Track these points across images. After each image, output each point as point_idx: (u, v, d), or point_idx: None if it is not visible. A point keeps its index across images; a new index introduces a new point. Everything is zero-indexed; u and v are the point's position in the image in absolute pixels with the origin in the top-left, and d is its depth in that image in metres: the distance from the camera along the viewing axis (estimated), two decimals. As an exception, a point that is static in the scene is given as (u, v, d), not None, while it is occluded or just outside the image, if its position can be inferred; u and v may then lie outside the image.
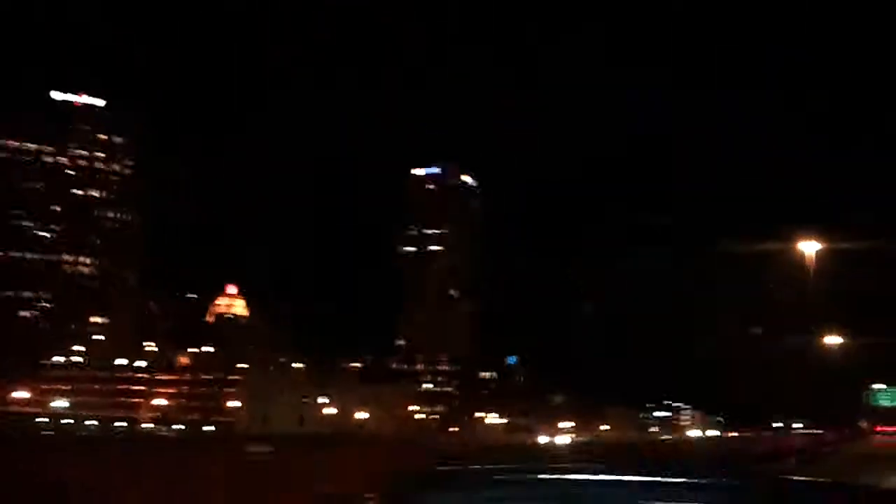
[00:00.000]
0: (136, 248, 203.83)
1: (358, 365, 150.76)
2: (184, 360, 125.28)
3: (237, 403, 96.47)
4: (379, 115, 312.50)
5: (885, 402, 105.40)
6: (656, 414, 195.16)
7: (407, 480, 3.26)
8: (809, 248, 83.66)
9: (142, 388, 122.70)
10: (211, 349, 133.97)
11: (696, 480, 3.04)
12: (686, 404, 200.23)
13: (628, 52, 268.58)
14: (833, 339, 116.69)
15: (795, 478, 4.12)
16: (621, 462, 25.21)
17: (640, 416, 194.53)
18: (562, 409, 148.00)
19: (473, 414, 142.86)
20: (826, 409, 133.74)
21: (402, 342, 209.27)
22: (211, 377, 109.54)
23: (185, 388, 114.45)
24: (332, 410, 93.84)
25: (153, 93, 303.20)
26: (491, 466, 3.12)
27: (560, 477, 3.03)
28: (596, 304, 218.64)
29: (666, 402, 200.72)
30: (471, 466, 3.23)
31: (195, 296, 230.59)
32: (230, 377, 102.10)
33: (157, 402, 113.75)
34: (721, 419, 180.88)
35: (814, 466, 44.89)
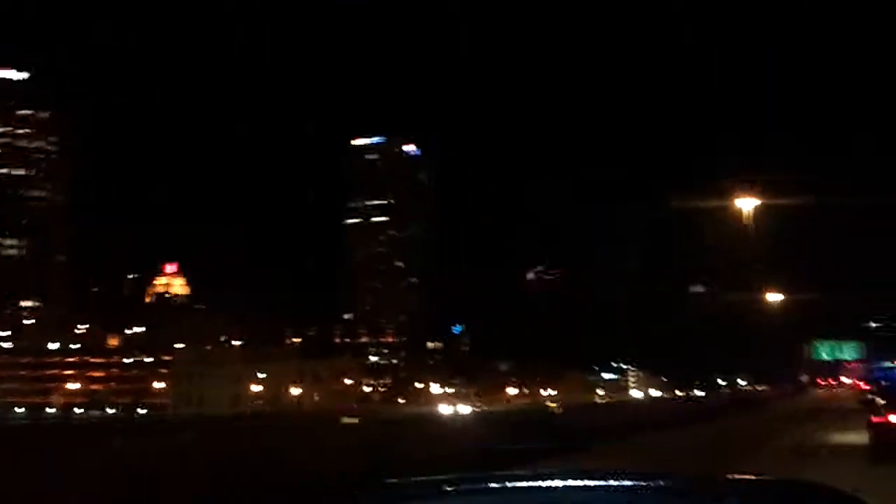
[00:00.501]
0: (66, 228, 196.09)
1: (298, 340, 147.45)
2: (113, 341, 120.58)
3: (165, 385, 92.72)
4: (317, 86, 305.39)
5: (824, 356, 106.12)
6: (605, 376, 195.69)
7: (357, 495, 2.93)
8: (747, 204, 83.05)
9: (72, 372, 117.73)
10: (143, 330, 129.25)
11: (683, 486, 2.68)
12: (633, 366, 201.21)
13: (564, 13, 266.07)
14: (774, 297, 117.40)
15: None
16: (518, 433, 24.20)
17: (590, 378, 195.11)
18: (508, 376, 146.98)
19: (415, 385, 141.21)
20: (768, 365, 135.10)
21: (349, 316, 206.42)
22: (141, 359, 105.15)
23: (115, 370, 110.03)
24: (269, 388, 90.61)
25: (81, 66, 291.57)
26: (444, 477, 2.59)
27: (516, 485, 2.67)
28: (542, 268, 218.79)
29: (615, 364, 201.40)
30: (420, 478, 2.89)
31: (136, 275, 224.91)
32: (163, 358, 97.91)
33: (87, 386, 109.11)
34: (665, 379, 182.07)
35: (758, 421, 43.88)
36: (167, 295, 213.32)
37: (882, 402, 22.89)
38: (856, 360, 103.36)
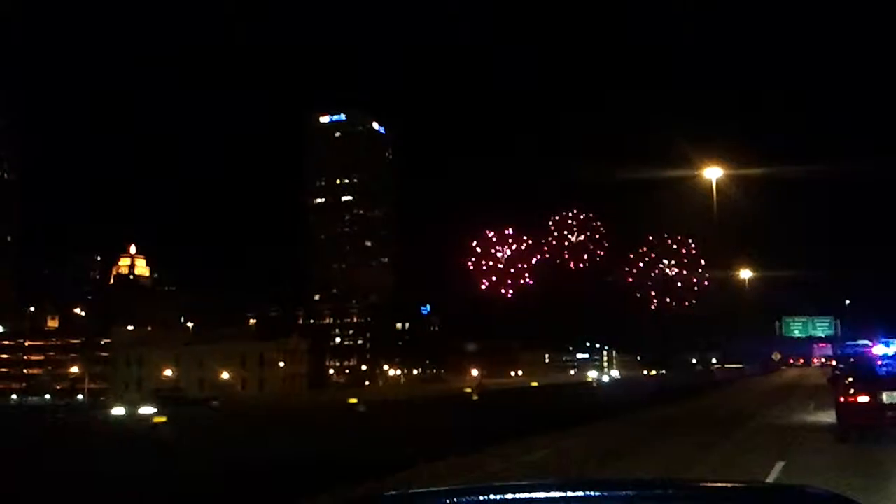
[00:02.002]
0: (15, 207, 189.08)
1: (254, 321, 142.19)
2: (53, 323, 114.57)
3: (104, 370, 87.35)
4: (280, 61, 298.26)
5: (796, 333, 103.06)
6: (579, 356, 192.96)
7: None
8: (713, 174, 78.69)
9: (7, 356, 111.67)
10: (81, 312, 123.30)
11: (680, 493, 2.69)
12: (604, 345, 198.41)
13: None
14: (747, 274, 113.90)
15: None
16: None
17: (565, 359, 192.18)
18: (474, 357, 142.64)
19: (382, 367, 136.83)
20: (742, 343, 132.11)
21: (318, 297, 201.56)
22: (80, 341, 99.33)
23: (53, 354, 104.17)
24: (225, 374, 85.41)
25: (30, 35, 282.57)
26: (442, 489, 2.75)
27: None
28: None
29: (587, 344, 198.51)
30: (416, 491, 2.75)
31: (98, 257, 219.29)
32: (102, 341, 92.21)
33: (25, 371, 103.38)
34: (639, 358, 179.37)
35: (724, 402, 40.22)
36: (128, 275, 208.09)
37: (850, 380, 21.66)
38: (827, 339, 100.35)
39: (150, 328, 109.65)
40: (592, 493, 2.51)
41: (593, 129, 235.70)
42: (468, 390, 23.80)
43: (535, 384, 36.71)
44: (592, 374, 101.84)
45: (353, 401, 19.38)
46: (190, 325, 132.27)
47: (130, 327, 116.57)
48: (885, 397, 18.73)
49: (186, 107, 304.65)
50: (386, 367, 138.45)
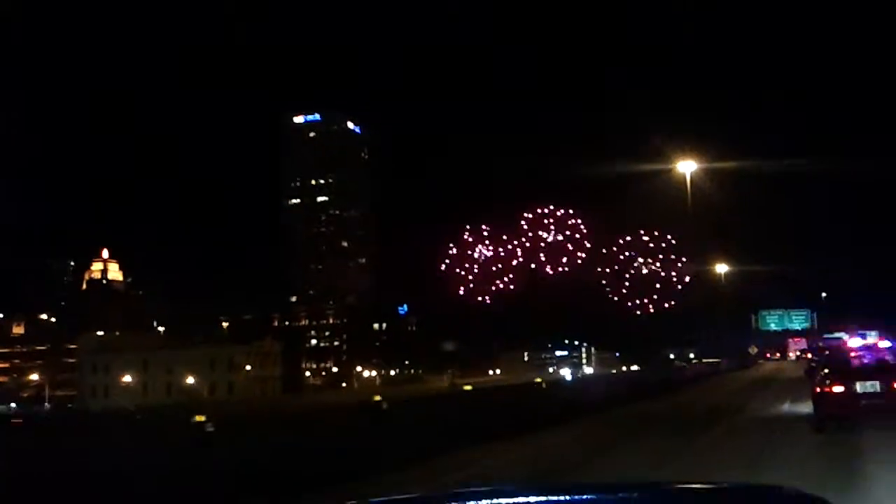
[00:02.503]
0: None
1: (226, 324, 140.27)
2: (19, 329, 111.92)
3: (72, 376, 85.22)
4: (254, 62, 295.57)
5: (772, 326, 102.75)
6: (558, 353, 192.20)
7: None
8: (687, 167, 77.97)
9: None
10: (46, 317, 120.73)
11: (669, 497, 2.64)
12: (583, 342, 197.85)
13: None
14: (722, 268, 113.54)
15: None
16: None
17: (544, 356, 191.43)
18: (452, 357, 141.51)
19: (355, 368, 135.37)
20: (719, 337, 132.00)
21: (294, 298, 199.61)
22: (45, 347, 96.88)
23: (18, 361, 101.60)
24: (190, 378, 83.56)
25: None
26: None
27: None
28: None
29: (567, 342, 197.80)
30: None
31: (71, 262, 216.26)
32: (69, 346, 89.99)
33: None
34: (617, 354, 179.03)
35: (705, 395, 39.38)
36: (100, 280, 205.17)
37: (825, 371, 22.39)
38: (803, 331, 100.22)
39: (117, 333, 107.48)
40: (561, 498, 2.40)
41: (572, 128, 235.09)
42: (377, 398, 21.57)
43: (468, 387, 34.67)
44: (565, 371, 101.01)
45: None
46: (161, 329, 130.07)
47: (100, 332, 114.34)
48: (859, 387, 19.45)
49: (163, 107, 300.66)
50: (359, 368, 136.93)
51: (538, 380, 35.01)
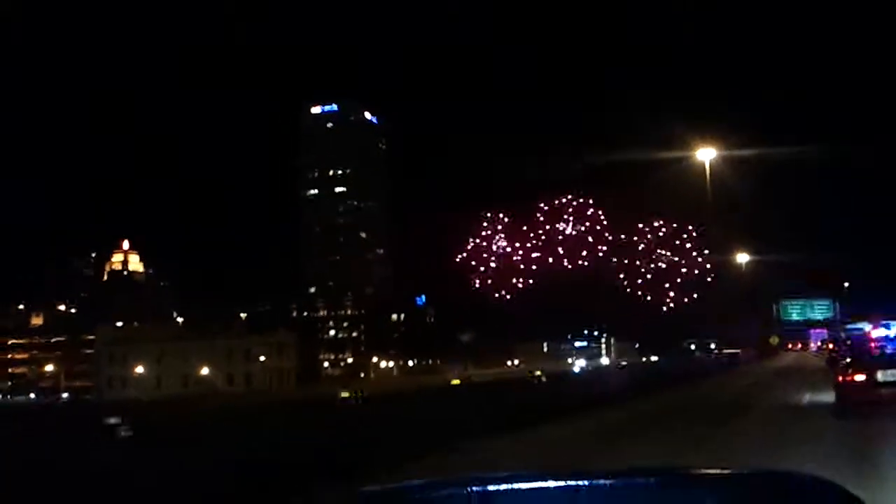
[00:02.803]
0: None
1: (244, 315, 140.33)
2: (37, 320, 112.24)
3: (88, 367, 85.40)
4: (270, 51, 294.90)
5: (794, 316, 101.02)
6: (577, 344, 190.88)
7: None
8: (706, 155, 76.56)
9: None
10: (65, 309, 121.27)
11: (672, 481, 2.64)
12: (603, 333, 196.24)
13: None
14: (744, 257, 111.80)
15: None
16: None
17: (563, 347, 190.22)
18: (470, 348, 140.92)
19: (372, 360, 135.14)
20: (740, 327, 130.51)
21: (312, 290, 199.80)
22: (63, 339, 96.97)
23: (37, 352, 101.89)
24: (204, 369, 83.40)
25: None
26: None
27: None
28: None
29: (586, 332, 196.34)
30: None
31: (93, 253, 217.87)
32: (87, 337, 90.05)
33: (9, 370, 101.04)
34: (637, 345, 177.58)
35: (720, 388, 38.46)
36: (122, 272, 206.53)
37: (847, 361, 23.37)
38: (825, 321, 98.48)
39: (136, 324, 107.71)
40: (578, 483, 2.45)
41: (589, 117, 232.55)
42: (345, 394, 20.16)
43: (456, 382, 33.66)
44: (579, 362, 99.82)
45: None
46: (180, 320, 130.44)
47: (119, 323, 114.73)
48: (880, 375, 20.23)
49: (183, 103, 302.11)
50: (375, 359, 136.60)
51: (537, 373, 34.02)
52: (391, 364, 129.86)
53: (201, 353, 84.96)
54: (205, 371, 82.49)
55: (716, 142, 72.93)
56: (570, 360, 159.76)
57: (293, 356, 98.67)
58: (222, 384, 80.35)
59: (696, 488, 2.51)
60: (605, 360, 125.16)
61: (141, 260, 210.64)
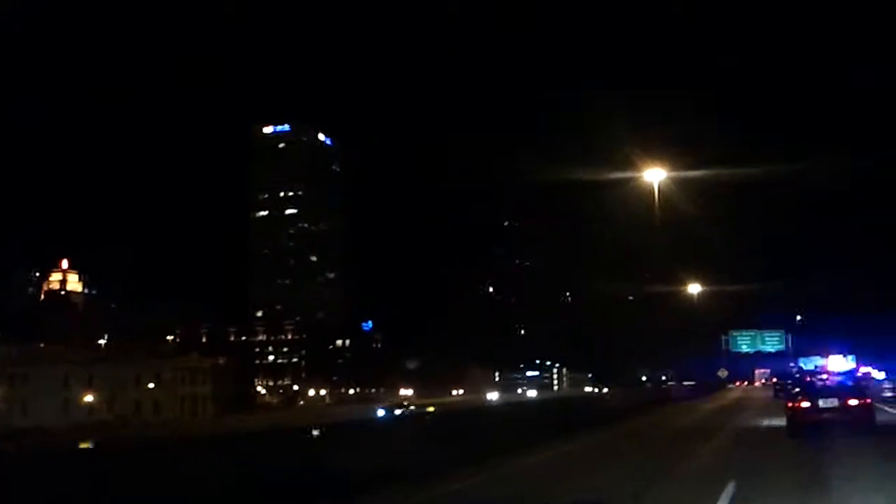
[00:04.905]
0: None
1: (170, 338, 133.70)
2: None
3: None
4: (222, 70, 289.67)
5: (744, 348, 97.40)
6: (529, 374, 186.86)
7: None
8: (655, 176, 72.61)
9: None
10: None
11: None
12: (556, 363, 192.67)
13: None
14: (693, 288, 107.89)
15: None
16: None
17: (514, 376, 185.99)
18: (413, 376, 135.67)
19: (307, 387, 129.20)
20: (690, 359, 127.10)
21: (259, 313, 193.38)
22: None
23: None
24: (88, 397, 76.56)
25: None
26: None
27: None
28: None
29: (538, 362, 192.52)
30: None
31: (36, 273, 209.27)
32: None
33: None
34: (590, 375, 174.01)
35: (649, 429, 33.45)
36: (62, 292, 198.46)
37: (796, 390, 27.51)
38: (777, 353, 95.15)
39: (41, 345, 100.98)
40: None
41: (533, 132, 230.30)
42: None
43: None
44: (492, 396, 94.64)
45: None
46: (102, 341, 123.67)
47: (42, 344, 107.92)
48: (822, 402, 24.21)
49: (133, 118, 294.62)
50: (312, 389, 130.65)
51: (429, 409, 29.26)
52: (322, 392, 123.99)
53: (106, 377, 78.71)
54: (88, 398, 76.09)
55: (666, 162, 69.18)
56: (519, 391, 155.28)
57: (209, 382, 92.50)
58: (127, 412, 74.18)
59: None
60: (532, 393, 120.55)
61: (80, 279, 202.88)
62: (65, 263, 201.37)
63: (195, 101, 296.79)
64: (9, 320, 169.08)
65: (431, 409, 30.08)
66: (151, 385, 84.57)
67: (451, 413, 31.25)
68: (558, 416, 30.52)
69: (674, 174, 73.98)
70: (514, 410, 33.82)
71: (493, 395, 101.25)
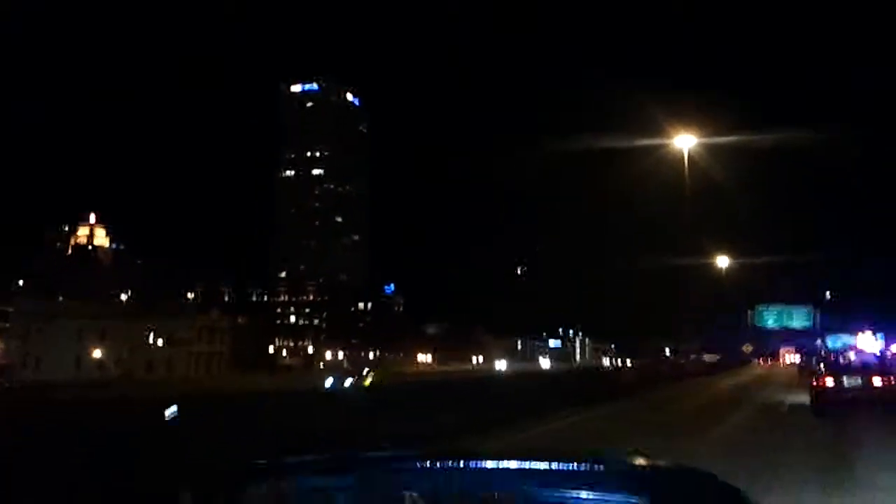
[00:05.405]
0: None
1: (191, 296, 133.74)
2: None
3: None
4: (248, 23, 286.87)
5: (770, 323, 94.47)
6: (551, 344, 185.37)
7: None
8: (685, 142, 69.82)
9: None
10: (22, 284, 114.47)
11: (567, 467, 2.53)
12: (578, 333, 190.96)
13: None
14: (721, 261, 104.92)
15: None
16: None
17: (537, 345, 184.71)
18: (434, 340, 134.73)
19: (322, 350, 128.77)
20: (715, 333, 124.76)
21: (283, 274, 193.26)
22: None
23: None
24: (97, 352, 76.24)
25: None
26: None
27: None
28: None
29: (560, 331, 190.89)
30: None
31: (64, 227, 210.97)
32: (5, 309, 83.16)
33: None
34: (613, 346, 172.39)
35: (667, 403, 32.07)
36: (89, 247, 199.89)
37: (821, 368, 27.39)
38: (803, 330, 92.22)
39: (61, 299, 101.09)
40: (464, 464, 2.43)
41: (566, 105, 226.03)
42: None
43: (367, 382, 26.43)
44: (500, 366, 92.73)
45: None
46: (123, 297, 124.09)
47: (61, 298, 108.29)
48: (846, 381, 24.46)
49: (155, 74, 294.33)
50: (329, 351, 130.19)
51: (370, 380, 27.34)
52: (339, 355, 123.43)
53: (118, 334, 78.48)
54: (97, 354, 75.85)
55: (697, 128, 66.54)
56: (540, 359, 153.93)
57: (226, 341, 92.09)
58: (138, 369, 73.99)
59: (571, 479, 2.39)
60: (546, 363, 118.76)
61: (107, 235, 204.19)
62: (92, 218, 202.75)
63: (225, 59, 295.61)
64: (36, 275, 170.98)
65: (373, 379, 28.12)
66: (161, 342, 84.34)
67: (417, 385, 29.36)
68: (554, 389, 28.92)
69: (703, 140, 71.49)
70: (502, 384, 32.44)
71: (501, 365, 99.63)
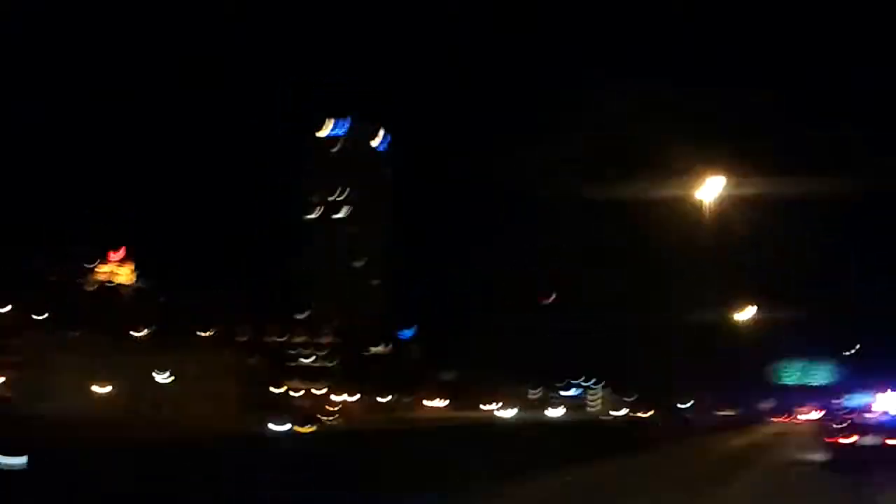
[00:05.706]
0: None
1: (206, 334, 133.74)
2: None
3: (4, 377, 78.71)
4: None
5: (788, 380, 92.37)
6: (563, 393, 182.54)
7: None
8: (708, 193, 68.50)
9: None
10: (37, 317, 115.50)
11: None
12: (595, 384, 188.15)
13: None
14: (744, 315, 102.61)
15: None
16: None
17: (550, 395, 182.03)
18: (443, 387, 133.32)
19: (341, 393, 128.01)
20: (735, 389, 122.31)
21: (300, 316, 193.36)
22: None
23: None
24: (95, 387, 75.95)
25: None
26: None
27: None
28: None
29: (575, 382, 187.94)
30: None
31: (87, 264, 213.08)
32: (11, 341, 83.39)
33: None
34: (626, 399, 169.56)
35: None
36: (109, 283, 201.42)
37: (837, 426, 29.28)
38: (821, 388, 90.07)
39: (77, 333, 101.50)
40: None
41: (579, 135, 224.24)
42: None
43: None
44: (503, 413, 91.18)
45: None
46: (139, 334, 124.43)
47: (76, 333, 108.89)
48: (862, 440, 25.27)
49: (182, 112, 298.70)
50: (343, 394, 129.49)
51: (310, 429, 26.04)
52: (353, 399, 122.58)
53: (122, 369, 78.28)
54: (96, 388, 75.66)
55: (723, 171, 64.97)
56: (551, 409, 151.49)
57: (234, 381, 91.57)
58: (144, 406, 73.49)
59: None
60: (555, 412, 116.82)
61: (131, 271, 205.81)
62: (116, 254, 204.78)
63: (255, 98, 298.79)
64: (58, 308, 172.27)
65: (312, 429, 26.87)
66: (170, 379, 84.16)
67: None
68: (540, 443, 27.97)
69: (730, 190, 69.69)
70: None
71: (505, 413, 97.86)
